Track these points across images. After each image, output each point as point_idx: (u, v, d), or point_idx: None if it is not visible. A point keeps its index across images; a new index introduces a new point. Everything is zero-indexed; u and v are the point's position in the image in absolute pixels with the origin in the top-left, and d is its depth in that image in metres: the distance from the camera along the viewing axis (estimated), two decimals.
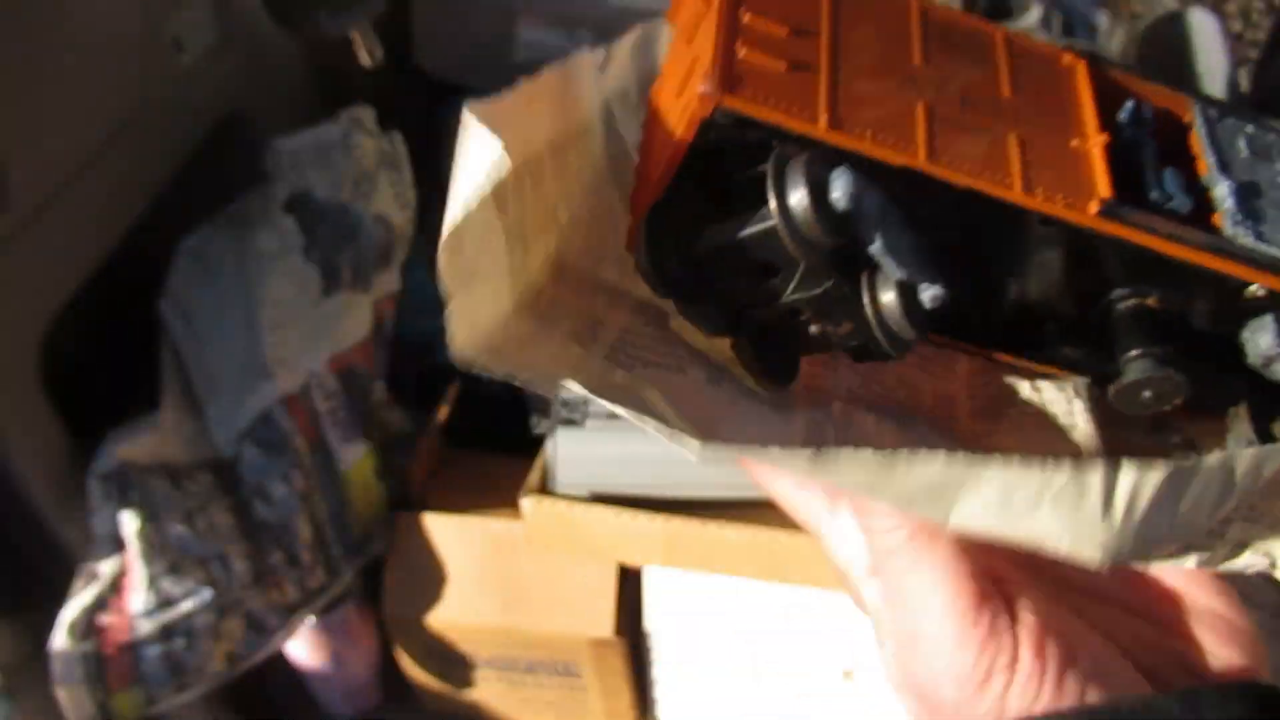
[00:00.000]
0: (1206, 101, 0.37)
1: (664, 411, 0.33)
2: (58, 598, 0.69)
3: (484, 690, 0.90)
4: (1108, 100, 0.36)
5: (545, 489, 0.77)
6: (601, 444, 0.77)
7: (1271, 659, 0.33)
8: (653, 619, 0.81)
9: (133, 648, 0.70)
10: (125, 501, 0.70)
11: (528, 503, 0.75)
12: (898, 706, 0.30)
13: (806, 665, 0.78)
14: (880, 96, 0.33)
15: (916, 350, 0.34)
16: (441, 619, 0.82)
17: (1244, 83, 1.44)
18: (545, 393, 0.81)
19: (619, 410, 0.32)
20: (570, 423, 0.78)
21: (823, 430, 0.36)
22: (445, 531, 0.83)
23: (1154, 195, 0.33)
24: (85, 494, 0.70)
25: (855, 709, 0.79)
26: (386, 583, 0.84)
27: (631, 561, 0.78)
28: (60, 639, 0.67)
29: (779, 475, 0.34)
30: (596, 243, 0.37)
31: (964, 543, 0.29)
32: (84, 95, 0.70)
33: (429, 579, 0.83)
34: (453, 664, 0.88)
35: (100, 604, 0.69)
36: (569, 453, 0.77)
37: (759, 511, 0.75)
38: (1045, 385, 0.40)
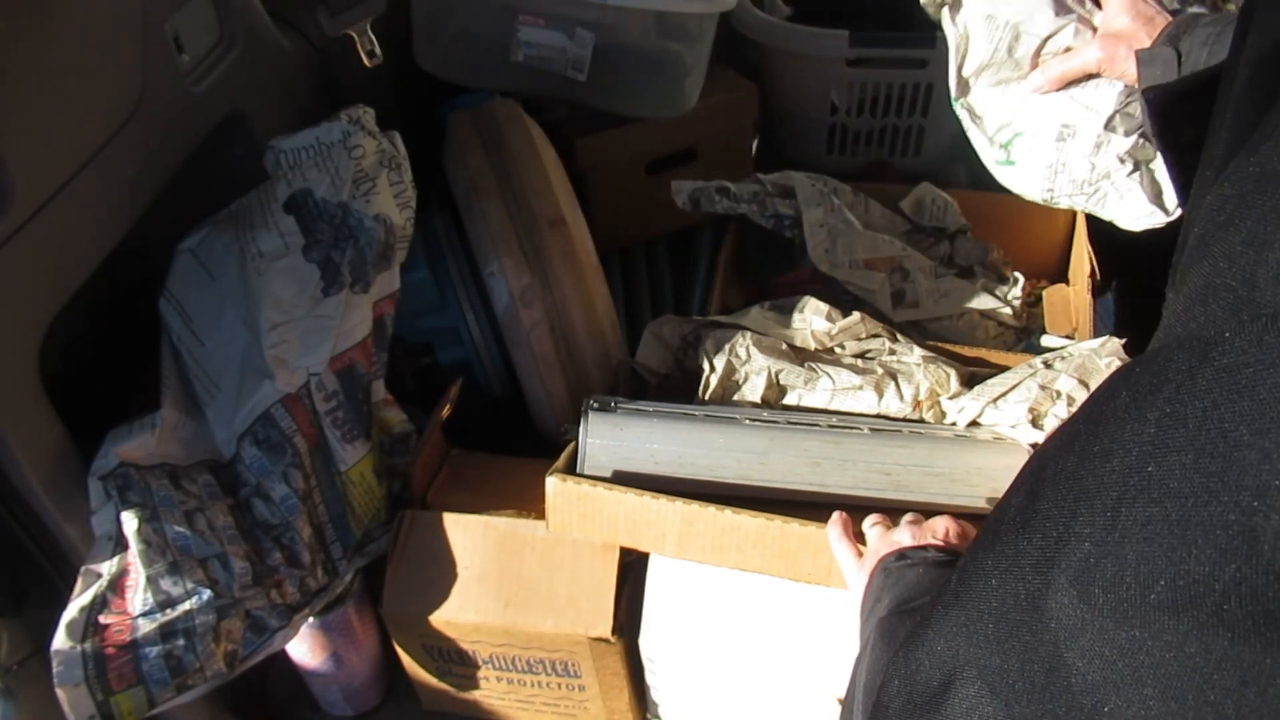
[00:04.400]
0: None
1: None
2: (58, 598, 0.69)
3: (484, 690, 0.90)
4: None
5: (570, 472, 0.79)
6: (631, 428, 0.80)
7: None
8: (652, 620, 0.82)
9: (133, 648, 0.70)
10: (125, 501, 0.70)
11: (551, 482, 0.77)
12: None
13: (801, 690, 0.79)
14: None
15: None
16: (442, 618, 0.83)
17: None
18: None
19: None
20: (603, 408, 0.81)
21: None
22: (445, 531, 0.84)
23: None
24: (85, 494, 0.71)
25: None
26: (387, 582, 0.84)
27: (645, 547, 0.78)
28: (60, 639, 0.67)
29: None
30: None
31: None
32: (84, 95, 0.71)
33: (429, 578, 0.83)
34: (453, 663, 0.88)
35: (100, 604, 0.69)
36: (599, 435, 0.80)
37: (775, 506, 0.76)
38: None
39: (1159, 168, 0.80)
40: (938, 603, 0.41)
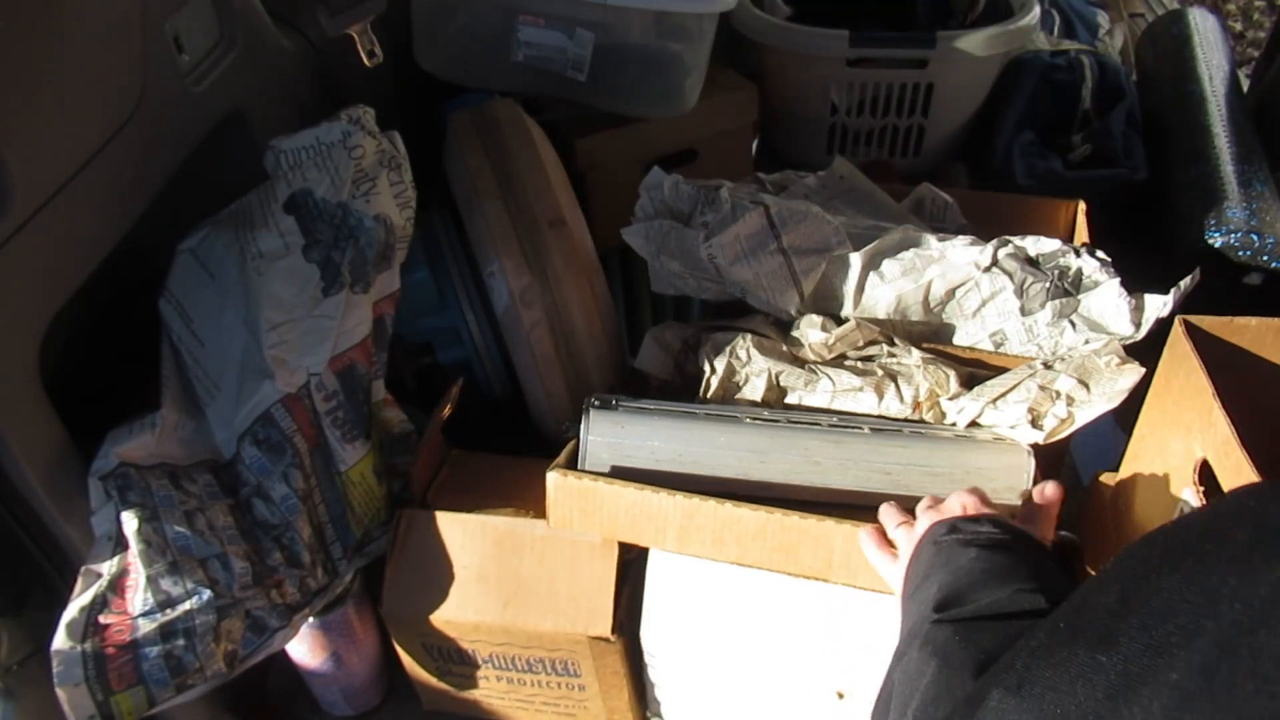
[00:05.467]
0: None
1: None
2: (58, 598, 0.69)
3: (484, 689, 0.90)
4: None
5: (571, 467, 0.79)
6: (632, 425, 0.80)
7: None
8: (653, 613, 0.82)
9: (133, 648, 0.70)
10: (125, 501, 0.70)
11: (552, 476, 0.77)
12: None
13: (801, 684, 0.79)
14: None
15: None
16: (441, 617, 0.83)
17: (1244, 82, 1.45)
18: None
19: None
20: (605, 406, 0.82)
21: None
22: (445, 531, 0.84)
23: None
24: (85, 494, 0.71)
25: None
26: (387, 581, 0.84)
27: (645, 541, 0.79)
28: (60, 639, 0.67)
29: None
30: None
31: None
32: (84, 95, 0.71)
33: (429, 578, 0.83)
34: (453, 663, 0.88)
35: (100, 604, 0.69)
36: (600, 433, 0.80)
37: (775, 505, 0.76)
38: None
39: (1089, 304, 0.86)
40: (1004, 674, 0.40)
